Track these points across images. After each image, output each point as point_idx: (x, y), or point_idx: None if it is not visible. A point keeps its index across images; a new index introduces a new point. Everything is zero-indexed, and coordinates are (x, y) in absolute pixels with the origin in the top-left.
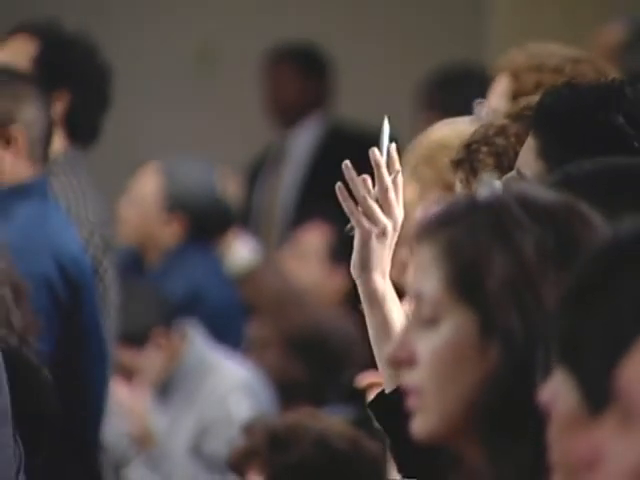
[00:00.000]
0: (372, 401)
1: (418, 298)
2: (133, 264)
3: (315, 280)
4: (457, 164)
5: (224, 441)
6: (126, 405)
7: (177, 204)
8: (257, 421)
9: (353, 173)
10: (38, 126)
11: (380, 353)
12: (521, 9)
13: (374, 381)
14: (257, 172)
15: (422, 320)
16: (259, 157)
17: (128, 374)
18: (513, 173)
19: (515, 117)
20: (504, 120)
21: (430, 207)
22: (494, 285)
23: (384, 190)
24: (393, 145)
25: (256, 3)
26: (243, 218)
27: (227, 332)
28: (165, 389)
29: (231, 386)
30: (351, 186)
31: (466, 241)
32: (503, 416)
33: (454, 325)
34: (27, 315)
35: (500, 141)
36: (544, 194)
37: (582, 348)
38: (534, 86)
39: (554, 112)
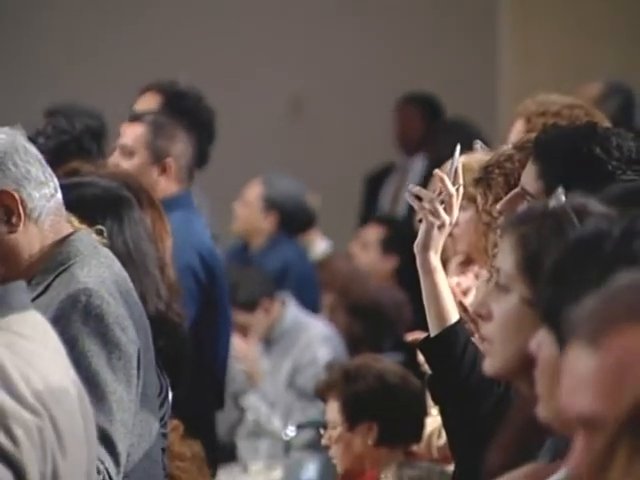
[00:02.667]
0: (421, 342)
1: (498, 271)
2: (242, 249)
3: (372, 264)
4: (477, 181)
5: (311, 377)
6: (242, 352)
7: (272, 206)
8: (334, 362)
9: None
10: (184, 157)
11: (430, 309)
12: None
13: (417, 336)
14: (373, 185)
15: (499, 288)
16: (373, 175)
17: (243, 331)
18: (518, 189)
19: (519, 148)
20: (512, 150)
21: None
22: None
23: (450, 196)
24: (460, 165)
25: (339, 58)
26: (361, 217)
27: (309, 301)
28: (269, 341)
29: (316, 338)
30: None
31: (534, 236)
32: None
33: (519, 295)
34: (172, 289)
35: (508, 165)
36: (596, 207)
37: (557, 311)
38: (541, 126)
39: (549, 145)
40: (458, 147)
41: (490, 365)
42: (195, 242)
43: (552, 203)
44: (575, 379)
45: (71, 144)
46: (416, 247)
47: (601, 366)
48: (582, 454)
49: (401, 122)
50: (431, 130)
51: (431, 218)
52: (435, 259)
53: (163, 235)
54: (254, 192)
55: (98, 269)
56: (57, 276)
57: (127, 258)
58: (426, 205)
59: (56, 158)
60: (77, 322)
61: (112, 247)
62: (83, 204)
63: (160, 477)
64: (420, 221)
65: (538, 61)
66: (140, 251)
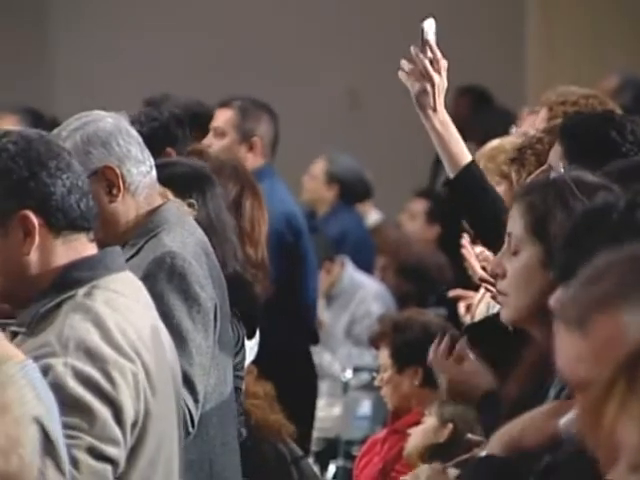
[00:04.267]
0: (444, 187)
1: (509, 236)
2: (309, 216)
3: (419, 231)
4: (512, 160)
5: (366, 328)
6: None
7: (333, 179)
8: (385, 315)
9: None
10: (268, 136)
11: (443, 157)
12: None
13: (459, 293)
14: (438, 164)
15: (511, 250)
16: (437, 157)
17: None
18: (546, 166)
19: (548, 132)
20: (541, 133)
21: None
22: (555, 231)
23: (437, 60)
24: (433, 38)
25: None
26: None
27: (365, 262)
28: (330, 297)
29: (369, 295)
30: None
31: (539, 203)
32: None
33: (529, 255)
34: (261, 265)
35: (539, 146)
36: (589, 178)
37: (570, 272)
38: (562, 114)
39: (572, 129)
40: (425, 21)
41: (506, 314)
42: (281, 208)
43: (553, 175)
44: (570, 358)
45: (159, 130)
46: (417, 105)
47: (592, 347)
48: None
49: (453, 112)
50: (478, 118)
51: (421, 80)
52: (435, 115)
53: (260, 220)
54: (319, 167)
55: (182, 235)
56: (148, 241)
57: (209, 227)
58: (419, 64)
59: (147, 142)
60: (163, 280)
61: (197, 217)
62: (174, 180)
63: (231, 412)
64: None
65: (561, 57)
66: (220, 221)
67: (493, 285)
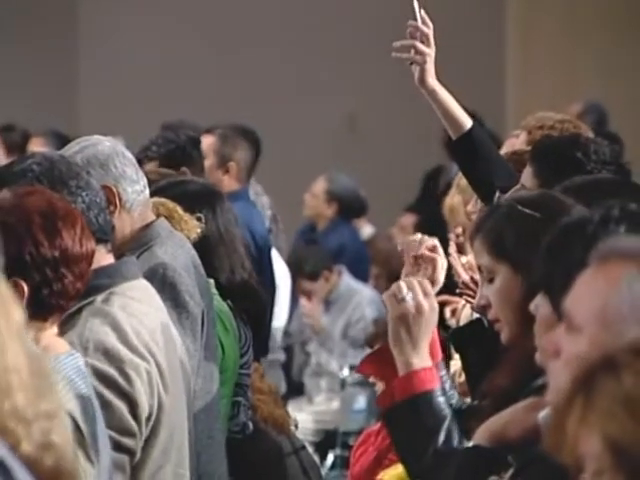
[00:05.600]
0: (448, 145)
1: (480, 269)
2: (310, 229)
3: None
4: None
5: (361, 330)
6: (308, 311)
7: (333, 197)
8: (379, 318)
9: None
10: (244, 162)
11: (446, 122)
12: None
13: (445, 299)
14: (428, 182)
15: (486, 280)
16: (426, 175)
17: (309, 295)
18: (519, 186)
19: (520, 153)
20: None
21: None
22: (511, 246)
23: (426, 35)
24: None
25: (390, 82)
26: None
27: (361, 272)
28: (328, 302)
29: (364, 300)
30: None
31: (492, 228)
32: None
33: (501, 276)
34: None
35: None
36: (527, 193)
37: (551, 280)
38: (540, 137)
39: (542, 151)
40: (415, 1)
41: (504, 336)
42: (250, 228)
43: (496, 199)
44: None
45: (177, 151)
46: (418, 82)
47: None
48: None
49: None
50: None
51: (418, 57)
52: (433, 83)
53: None
54: (319, 186)
55: (173, 248)
56: (142, 253)
57: (219, 239)
58: (414, 44)
59: (165, 162)
60: (155, 289)
61: (207, 230)
62: (186, 197)
63: (216, 409)
64: (411, 64)
65: (537, 86)
66: (229, 233)
67: (472, 297)
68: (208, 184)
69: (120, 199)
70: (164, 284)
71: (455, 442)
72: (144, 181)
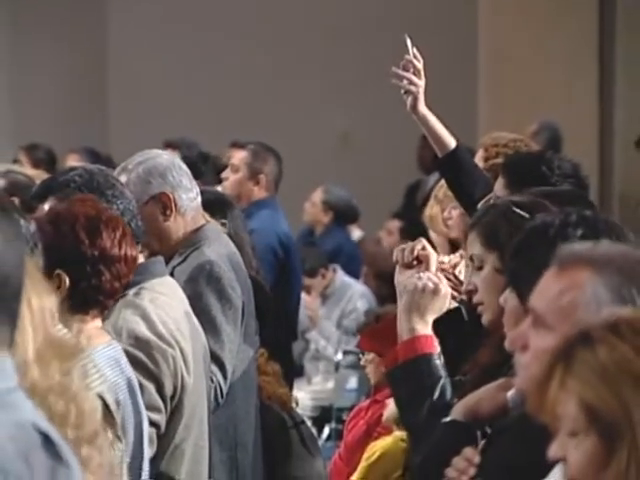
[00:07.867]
0: (438, 164)
1: (472, 258)
2: (309, 233)
3: (394, 244)
4: None
5: (353, 320)
6: (307, 304)
7: (329, 206)
8: (369, 310)
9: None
10: (272, 174)
11: (434, 142)
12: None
13: None
14: (410, 193)
15: (475, 267)
16: (409, 187)
17: (308, 290)
18: (492, 194)
19: (488, 170)
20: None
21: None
22: (503, 240)
23: (418, 70)
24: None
25: (380, 105)
26: (402, 213)
27: (354, 271)
28: (325, 296)
29: (357, 294)
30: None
31: (489, 222)
32: None
33: (489, 264)
34: (258, 262)
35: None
36: (521, 198)
37: (518, 277)
38: (495, 154)
39: (512, 165)
40: (407, 39)
41: (485, 318)
42: (276, 230)
43: (494, 201)
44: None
45: (189, 166)
46: (410, 109)
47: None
48: (522, 375)
49: (420, 151)
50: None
51: (412, 88)
52: (424, 110)
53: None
54: (317, 196)
55: (218, 248)
56: (192, 252)
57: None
58: (405, 80)
59: None
60: (203, 283)
61: None
62: (203, 205)
63: (253, 387)
64: (405, 93)
65: (507, 104)
66: (239, 236)
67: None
68: (221, 194)
69: (176, 205)
70: (210, 278)
71: (447, 398)
72: (197, 190)
